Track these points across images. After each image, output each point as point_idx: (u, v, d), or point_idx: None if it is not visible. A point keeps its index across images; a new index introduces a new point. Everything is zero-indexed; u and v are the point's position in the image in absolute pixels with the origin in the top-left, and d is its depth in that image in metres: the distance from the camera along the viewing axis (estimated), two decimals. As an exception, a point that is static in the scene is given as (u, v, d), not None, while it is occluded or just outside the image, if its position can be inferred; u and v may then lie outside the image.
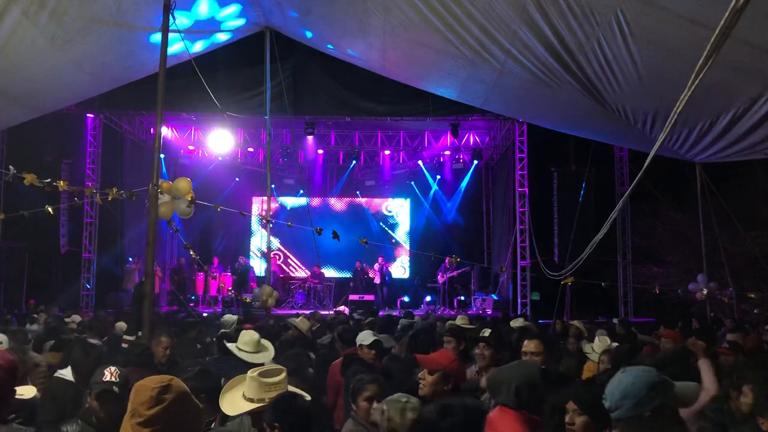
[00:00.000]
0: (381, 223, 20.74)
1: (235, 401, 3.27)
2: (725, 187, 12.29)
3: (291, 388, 3.37)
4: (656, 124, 9.04)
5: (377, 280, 18.08)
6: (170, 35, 7.32)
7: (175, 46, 8.92)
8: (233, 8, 10.69)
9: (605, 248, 13.62)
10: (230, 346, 4.97)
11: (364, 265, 18.40)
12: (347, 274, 19.75)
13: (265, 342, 5.07)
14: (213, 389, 3.38)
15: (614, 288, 15.48)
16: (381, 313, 11.06)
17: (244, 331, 5.20)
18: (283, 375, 3.34)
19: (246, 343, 4.88)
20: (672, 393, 2.46)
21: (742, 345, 6.10)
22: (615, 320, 11.08)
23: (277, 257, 19.70)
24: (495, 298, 16.48)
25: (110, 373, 3.39)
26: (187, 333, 6.86)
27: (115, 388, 3.32)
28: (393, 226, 20.93)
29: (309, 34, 11.81)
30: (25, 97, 10.47)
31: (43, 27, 8.36)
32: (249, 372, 3.31)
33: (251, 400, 3.21)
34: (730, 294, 12.05)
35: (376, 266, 18.31)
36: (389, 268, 19.15)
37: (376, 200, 20.90)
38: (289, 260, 20.31)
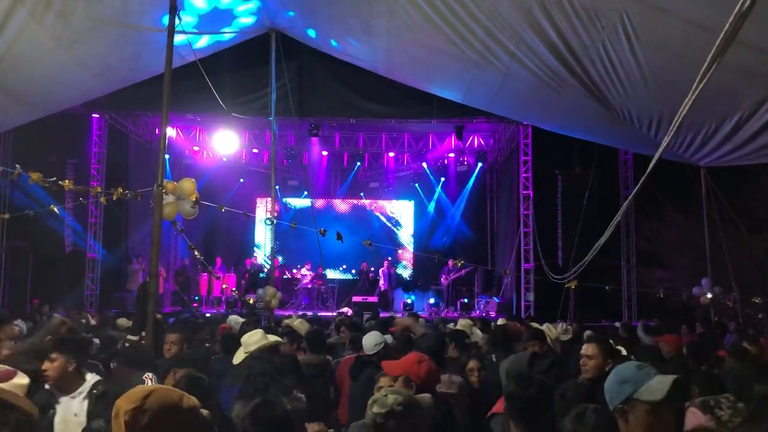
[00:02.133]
0: (389, 223, 20.75)
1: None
2: (730, 190, 12.25)
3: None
4: (661, 127, 9.03)
5: (384, 286, 18.07)
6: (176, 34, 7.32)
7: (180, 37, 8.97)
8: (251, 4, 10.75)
9: (609, 251, 13.57)
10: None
11: (371, 268, 18.43)
12: (351, 276, 19.75)
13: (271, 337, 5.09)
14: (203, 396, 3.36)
15: (618, 291, 15.46)
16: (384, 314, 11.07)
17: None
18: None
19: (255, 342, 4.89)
20: (642, 386, 2.37)
21: (755, 353, 6.03)
22: (617, 324, 11.08)
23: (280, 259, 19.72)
24: (498, 300, 16.47)
25: (149, 380, 3.47)
26: (197, 334, 6.89)
27: None
28: (397, 228, 20.93)
29: (313, 34, 11.82)
30: (30, 97, 10.51)
31: (49, 27, 8.40)
32: None
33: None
34: (734, 298, 12.02)
35: (383, 270, 18.29)
36: (395, 272, 19.17)
37: (380, 202, 20.90)
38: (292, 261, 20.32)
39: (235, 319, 7.78)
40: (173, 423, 1.97)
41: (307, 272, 18.44)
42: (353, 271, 19.71)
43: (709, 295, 11.94)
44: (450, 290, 17.60)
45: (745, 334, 8.19)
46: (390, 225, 20.88)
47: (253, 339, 4.88)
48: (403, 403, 2.73)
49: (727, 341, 8.55)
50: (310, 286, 18.30)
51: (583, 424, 2.37)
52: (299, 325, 7.11)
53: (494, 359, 5.28)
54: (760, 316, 12.52)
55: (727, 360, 5.50)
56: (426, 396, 3.27)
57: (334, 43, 11.66)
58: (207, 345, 6.47)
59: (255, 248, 20.64)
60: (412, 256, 20.63)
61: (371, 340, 5.36)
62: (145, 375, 3.55)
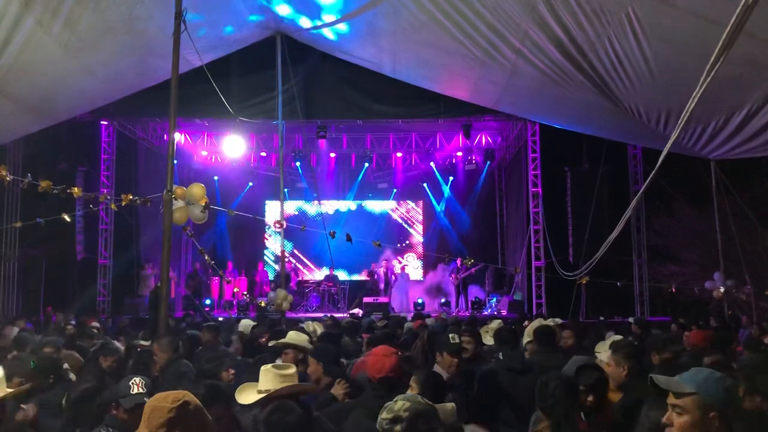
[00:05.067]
0: (395, 225, 20.75)
1: (249, 394, 3.45)
2: (741, 183, 12.17)
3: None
4: (670, 121, 8.98)
5: (394, 281, 18.06)
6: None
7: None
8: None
9: (620, 247, 13.52)
10: None
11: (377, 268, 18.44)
12: (362, 277, 19.75)
13: None
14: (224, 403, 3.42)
15: (630, 287, 15.38)
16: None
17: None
18: (293, 370, 3.52)
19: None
20: None
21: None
22: (631, 319, 11.04)
23: (291, 261, 19.74)
24: (518, 298, 16.34)
25: (136, 385, 3.44)
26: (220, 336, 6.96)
27: (146, 399, 3.33)
28: (406, 229, 20.91)
29: (324, 34, 11.83)
30: (39, 105, 10.58)
31: (56, 36, 8.46)
32: (262, 367, 3.50)
33: (266, 392, 3.37)
34: (747, 292, 11.94)
35: (390, 267, 18.26)
36: (405, 270, 19.16)
37: (389, 202, 20.88)
38: (303, 263, 20.35)
39: (245, 324, 7.81)
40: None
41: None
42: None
43: (722, 289, 11.86)
44: (460, 289, 17.54)
45: (762, 328, 8.14)
46: (401, 224, 20.86)
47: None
48: (410, 409, 2.65)
49: (741, 335, 8.51)
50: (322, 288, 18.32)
51: None
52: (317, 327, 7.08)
53: (501, 357, 5.28)
54: (774, 309, 12.42)
55: (745, 354, 5.49)
56: (447, 405, 3.21)
57: (339, 46, 11.65)
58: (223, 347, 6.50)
59: (265, 252, 20.67)
60: (421, 255, 20.59)
61: None
62: (132, 380, 3.52)
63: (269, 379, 3.41)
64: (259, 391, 3.40)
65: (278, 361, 4.44)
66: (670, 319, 12.24)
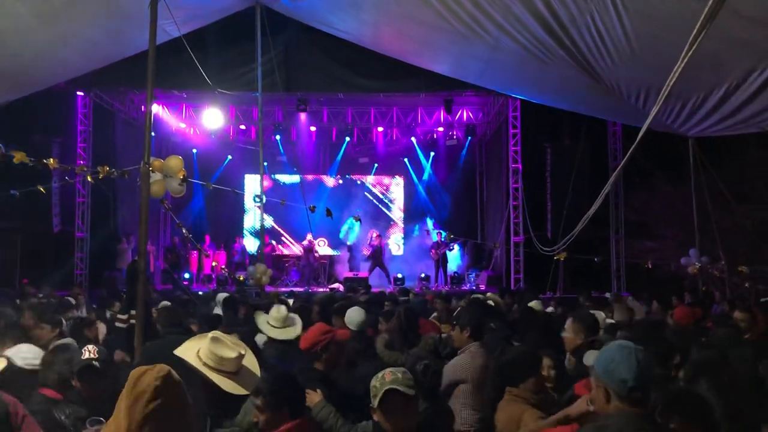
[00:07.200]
0: (381, 195, 20.73)
1: (188, 349, 3.00)
2: (718, 161, 12.29)
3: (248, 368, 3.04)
4: (649, 98, 9.03)
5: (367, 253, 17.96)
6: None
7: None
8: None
9: (598, 223, 13.62)
10: (260, 319, 4.92)
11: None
12: (341, 252, 19.74)
13: (294, 316, 4.93)
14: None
15: (607, 263, 15.54)
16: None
17: (275, 306, 5.09)
18: (234, 355, 2.93)
19: (276, 318, 4.84)
20: None
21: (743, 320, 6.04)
22: (608, 294, 11.18)
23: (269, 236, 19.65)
24: (488, 273, 16.52)
25: (89, 351, 3.45)
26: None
27: (96, 363, 3.37)
28: (387, 203, 20.90)
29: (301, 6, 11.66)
30: (12, 74, 10.32)
31: (29, 2, 8.24)
32: (213, 333, 3.01)
33: (198, 359, 2.91)
34: (721, 268, 12.13)
35: (371, 243, 18.20)
36: (386, 244, 19.08)
37: (370, 177, 20.83)
38: (282, 238, 20.28)
39: (222, 297, 7.89)
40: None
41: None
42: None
43: (697, 265, 12.03)
44: (440, 264, 17.63)
45: (732, 303, 8.28)
46: (381, 199, 20.84)
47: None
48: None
49: (715, 311, 8.65)
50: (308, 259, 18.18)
51: None
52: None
53: (493, 326, 5.36)
54: (746, 285, 12.62)
55: (714, 329, 5.59)
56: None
57: (319, 17, 11.49)
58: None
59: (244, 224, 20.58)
60: (402, 230, 20.62)
61: (355, 317, 5.43)
62: (86, 348, 3.52)
63: (204, 351, 2.91)
64: (201, 361, 2.90)
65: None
66: (630, 294, 12.41)
